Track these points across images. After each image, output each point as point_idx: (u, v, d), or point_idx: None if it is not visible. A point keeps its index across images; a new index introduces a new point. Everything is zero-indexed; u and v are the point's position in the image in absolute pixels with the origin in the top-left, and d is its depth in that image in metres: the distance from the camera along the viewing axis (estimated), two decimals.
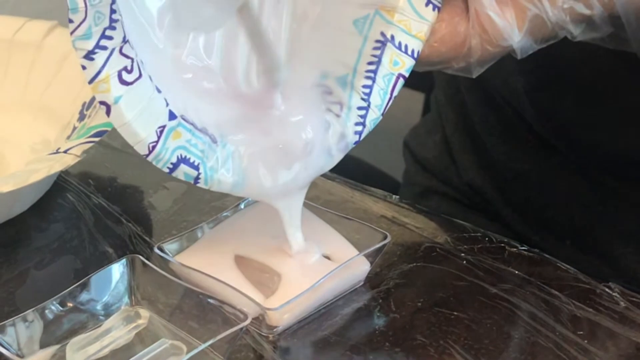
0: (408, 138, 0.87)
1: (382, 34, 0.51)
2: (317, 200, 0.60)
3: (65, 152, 0.59)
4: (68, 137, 0.64)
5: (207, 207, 0.62)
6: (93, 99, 0.65)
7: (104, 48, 0.44)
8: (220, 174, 0.49)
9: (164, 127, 0.46)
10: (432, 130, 0.83)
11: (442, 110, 0.81)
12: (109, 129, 0.60)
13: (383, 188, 0.66)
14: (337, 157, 0.52)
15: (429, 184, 0.82)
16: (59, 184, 0.66)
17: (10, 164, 0.67)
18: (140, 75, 0.45)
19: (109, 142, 0.70)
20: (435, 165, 0.82)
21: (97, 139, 0.60)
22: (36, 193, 0.63)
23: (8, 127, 0.70)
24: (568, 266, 0.57)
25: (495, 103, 0.74)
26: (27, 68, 0.72)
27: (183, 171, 0.48)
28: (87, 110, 0.65)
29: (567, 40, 0.51)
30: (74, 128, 0.64)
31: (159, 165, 0.47)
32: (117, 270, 0.52)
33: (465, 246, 0.58)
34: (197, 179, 0.48)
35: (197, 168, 0.48)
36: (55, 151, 0.60)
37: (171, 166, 0.47)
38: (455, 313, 0.53)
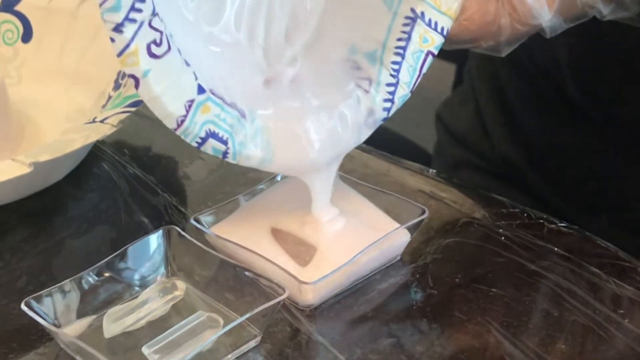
0: (440, 110, 0.86)
1: (412, 10, 0.50)
2: (353, 174, 0.60)
3: (101, 121, 0.59)
4: (103, 106, 0.64)
5: (243, 178, 0.62)
6: None
7: (133, 21, 0.43)
8: (249, 149, 0.49)
9: (192, 101, 0.46)
10: (464, 102, 0.82)
11: (474, 82, 0.80)
12: None
13: (413, 160, 0.65)
14: (366, 133, 0.52)
15: (462, 156, 0.81)
16: (94, 153, 0.66)
17: (46, 133, 0.67)
18: (170, 48, 0.45)
19: (144, 111, 0.69)
20: (468, 137, 0.81)
21: (133, 109, 0.59)
22: (72, 162, 0.63)
23: (43, 95, 0.70)
24: (608, 243, 0.56)
25: (530, 75, 0.73)
26: (62, 36, 0.71)
27: (211, 145, 0.47)
28: (122, 79, 0.64)
29: None
30: (109, 97, 0.64)
31: (188, 140, 0.47)
32: (154, 241, 0.52)
33: (503, 222, 0.57)
34: (225, 153, 0.48)
35: (225, 143, 0.48)
36: (91, 120, 0.60)
37: (200, 140, 0.47)
38: (493, 290, 0.52)
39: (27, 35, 0.73)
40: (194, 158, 0.65)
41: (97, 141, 0.64)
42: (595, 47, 0.65)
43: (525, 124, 0.74)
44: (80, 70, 0.70)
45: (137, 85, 0.45)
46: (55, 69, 0.71)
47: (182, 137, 0.47)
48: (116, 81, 0.65)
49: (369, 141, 0.66)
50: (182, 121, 0.46)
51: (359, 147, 0.65)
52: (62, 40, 0.71)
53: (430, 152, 0.90)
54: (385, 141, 0.72)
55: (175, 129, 0.46)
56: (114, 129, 0.58)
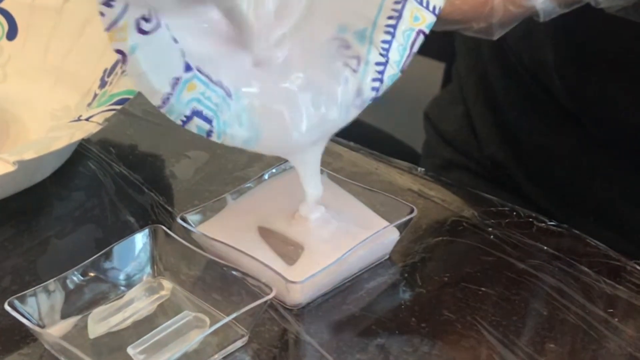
0: (429, 109, 0.86)
1: None
2: (341, 172, 0.59)
3: (87, 119, 0.58)
4: (89, 104, 0.63)
5: (230, 177, 0.61)
6: (115, 65, 0.64)
7: None
8: (234, 128, 0.48)
9: (179, 78, 0.46)
10: (453, 102, 0.82)
11: (463, 82, 0.80)
12: (130, 96, 0.59)
13: (402, 159, 0.65)
14: (353, 113, 0.51)
15: (450, 156, 0.81)
16: (80, 152, 0.65)
17: (31, 131, 0.66)
18: (159, 24, 0.44)
19: (130, 109, 0.69)
20: (457, 138, 0.81)
21: (119, 107, 0.59)
22: (57, 161, 0.63)
23: (28, 93, 0.69)
24: (598, 242, 0.56)
25: (519, 75, 0.72)
26: (47, 33, 0.71)
27: (196, 124, 0.47)
28: (108, 77, 0.64)
29: (598, 14, 0.50)
30: (95, 95, 0.63)
31: (172, 117, 0.46)
32: (140, 240, 0.52)
33: (492, 220, 0.57)
34: (209, 132, 0.47)
35: (210, 121, 0.47)
36: (76, 118, 0.60)
37: (184, 119, 0.46)
38: (482, 289, 0.52)
39: (12, 32, 0.72)
40: (180, 157, 0.64)
41: (83, 139, 0.63)
42: (582, 48, 0.65)
43: (513, 125, 0.74)
44: (66, 68, 0.69)
45: (124, 61, 0.44)
46: (41, 66, 0.70)
47: (167, 114, 0.46)
48: (102, 79, 0.64)
49: (358, 140, 0.66)
50: (168, 99, 0.46)
51: (347, 146, 0.65)
52: (47, 37, 0.71)
53: (419, 152, 0.89)
54: (374, 140, 0.71)
55: (161, 107, 0.46)
56: (100, 127, 0.57)
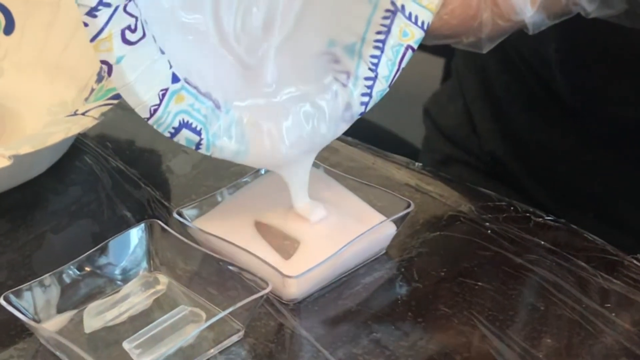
0: (428, 104, 0.86)
1: (393, 3, 0.50)
2: (338, 167, 0.59)
3: (83, 114, 0.58)
4: (86, 99, 0.63)
5: (227, 172, 0.61)
6: None
7: (108, 5, 0.42)
8: (223, 141, 0.48)
9: (166, 90, 0.45)
10: (452, 97, 0.82)
11: (462, 77, 0.80)
12: None
13: (401, 154, 0.65)
14: (342, 127, 0.51)
15: (450, 151, 0.81)
16: (77, 147, 0.65)
17: (27, 126, 0.66)
18: (144, 35, 0.44)
19: (127, 104, 0.68)
20: (456, 133, 0.80)
21: (115, 101, 0.59)
22: (53, 155, 0.62)
23: (25, 88, 0.69)
24: (595, 237, 0.55)
25: (519, 71, 0.72)
26: (44, 28, 0.70)
27: (185, 136, 0.47)
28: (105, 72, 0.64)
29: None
30: (92, 90, 0.63)
31: (160, 130, 0.46)
32: (136, 234, 0.52)
33: (489, 215, 0.57)
34: (198, 144, 0.47)
35: (199, 133, 0.47)
36: (73, 113, 0.60)
37: (173, 130, 0.46)
38: (479, 283, 0.52)
39: (8, 27, 0.72)
40: (177, 152, 0.64)
41: (80, 134, 0.63)
42: (583, 44, 0.65)
43: (513, 120, 0.74)
44: (63, 63, 0.69)
45: (109, 72, 0.44)
46: (38, 61, 0.70)
47: (155, 127, 0.46)
48: (99, 74, 0.64)
49: (356, 135, 0.66)
50: (155, 110, 0.45)
51: (344, 141, 0.65)
52: (44, 32, 0.70)
53: (418, 147, 0.89)
54: (372, 136, 0.71)
55: (148, 119, 0.46)
56: (96, 122, 0.57)
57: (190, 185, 0.61)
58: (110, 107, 0.58)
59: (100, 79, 0.64)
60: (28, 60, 0.70)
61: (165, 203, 0.59)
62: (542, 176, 0.73)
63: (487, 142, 0.77)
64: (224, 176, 0.61)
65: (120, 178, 0.62)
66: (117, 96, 0.59)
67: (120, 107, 0.62)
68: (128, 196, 0.60)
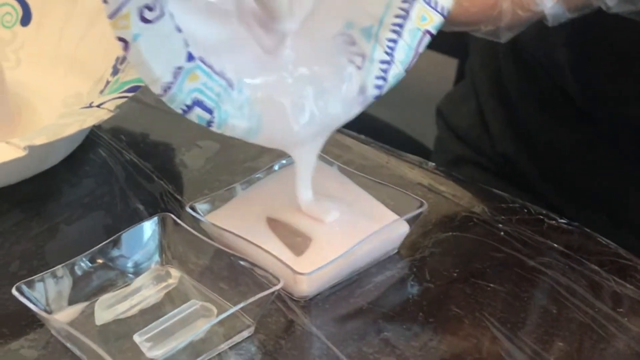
0: (441, 105, 0.85)
1: None
2: (351, 165, 0.59)
3: (98, 106, 0.58)
4: (101, 92, 0.63)
5: (240, 167, 0.61)
6: None
7: None
8: (235, 119, 0.48)
9: (181, 68, 0.46)
10: (465, 98, 0.82)
11: (476, 78, 0.80)
12: (142, 84, 0.59)
13: (413, 154, 0.65)
14: (356, 110, 0.51)
15: (462, 152, 0.81)
16: (91, 139, 0.65)
17: (42, 117, 0.66)
18: (162, 13, 0.44)
19: (142, 97, 0.68)
20: (469, 134, 0.80)
21: (130, 94, 0.59)
22: (68, 147, 0.62)
23: (41, 79, 0.69)
24: (609, 241, 0.55)
25: (533, 73, 0.72)
26: (61, 20, 0.71)
27: (196, 114, 0.47)
28: (120, 64, 0.64)
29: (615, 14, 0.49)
30: (107, 82, 0.63)
31: (173, 106, 0.46)
32: (149, 228, 0.52)
33: (503, 217, 0.57)
34: (210, 122, 0.47)
35: (211, 111, 0.47)
36: (88, 105, 0.60)
37: (185, 108, 0.46)
38: (491, 285, 0.51)
39: (25, 18, 0.72)
40: (191, 146, 0.64)
41: (94, 126, 0.63)
42: (596, 45, 0.64)
43: (526, 121, 0.74)
44: (79, 55, 0.69)
45: (126, 49, 0.44)
46: (54, 53, 0.70)
47: (168, 103, 0.46)
48: (114, 67, 0.64)
49: (368, 133, 0.66)
50: (169, 88, 0.46)
51: (357, 138, 0.65)
52: (61, 24, 0.71)
53: (430, 148, 0.89)
54: (384, 135, 0.71)
55: (161, 95, 0.46)
56: (111, 114, 0.57)
57: (204, 179, 0.61)
58: (125, 100, 0.58)
59: (115, 71, 0.64)
60: (44, 51, 0.70)
61: (178, 197, 0.59)
62: (554, 177, 0.73)
63: (500, 142, 0.76)
64: (238, 171, 0.61)
65: (133, 171, 0.62)
66: (133, 89, 0.59)
67: (135, 100, 0.63)
68: (141, 189, 0.60)
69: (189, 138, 0.65)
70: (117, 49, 0.65)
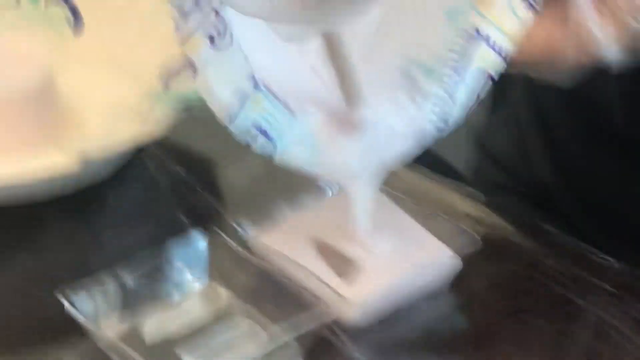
0: (480, 132, 0.85)
1: (474, 27, 0.49)
2: (398, 191, 0.58)
3: (150, 118, 0.58)
4: (152, 103, 0.63)
5: (288, 186, 0.61)
6: (178, 66, 0.64)
7: (200, 9, 0.43)
8: (295, 150, 0.48)
9: (247, 96, 0.45)
10: (506, 125, 0.81)
11: (516, 105, 0.79)
12: (193, 97, 0.59)
13: (446, 176, 0.64)
14: (414, 149, 0.51)
15: (498, 179, 0.80)
16: (138, 149, 0.65)
17: (89, 123, 0.66)
18: (232, 40, 0.44)
19: (192, 110, 0.68)
20: (508, 161, 0.80)
21: (181, 107, 0.58)
22: (120, 161, 0.62)
23: (89, 86, 0.69)
24: None
25: (578, 102, 0.72)
26: (112, 28, 0.70)
27: (259, 142, 0.47)
28: (172, 76, 0.64)
29: None
30: (159, 94, 0.63)
31: (238, 134, 0.46)
32: (196, 243, 0.52)
33: (552, 251, 0.56)
34: (271, 151, 0.47)
35: (272, 140, 0.47)
36: (139, 116, 0.60)
37: (249, 137, 0.47)
38: (540, 322, 0.51)
39: (77, 25, 0.72)
40: (239, 162, 0.64)
41: None
42: None
43: (567, 151, 0.73)
44: (129, 64, 0.69)
45: (194, 75, 0.44)
46: (104, 60, 0.70)
47: (234, 131, 0.46)
48: (165, 78, 0.64)
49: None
50: (235, 116, 0.45)
51: (406, 166, 0.64)
52: (112, 32, 0.71)
53: (461, 172, 0.88)
54: (421, 159, 0.71)
55: (228, 123, 0.46)
56: (162, 128, 0.57)
57: (250, 197, 0.61)
58: (176, 113, 0.58)
59: (167, 83, 0.63)
60: (94, 59, 0.70)
61: (223, 212, 0.59)
62: (597, 211, 0.72)
63: (540, 171, 0.76)
64: (285, 190, 0.60)
65: (179, 183, 0.61)
66: (184, 102, 0.59)
67: (184, 112, 0.62)
68: (186, 202, 0.60)
69: (237, 154, 0.64)
70: (168, 60, 0.66)
